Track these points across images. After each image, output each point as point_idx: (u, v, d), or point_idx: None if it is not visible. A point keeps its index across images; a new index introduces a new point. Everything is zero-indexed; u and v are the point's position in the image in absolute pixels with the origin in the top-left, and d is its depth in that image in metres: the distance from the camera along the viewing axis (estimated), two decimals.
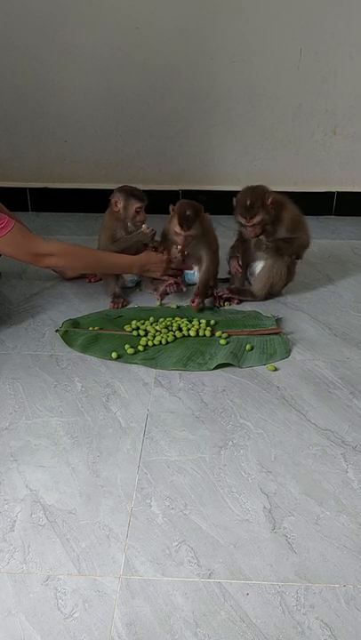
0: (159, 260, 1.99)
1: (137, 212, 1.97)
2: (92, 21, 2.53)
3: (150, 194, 2.68)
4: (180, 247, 1.94)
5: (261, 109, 2.67)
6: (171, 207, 1.94)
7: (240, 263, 2.00)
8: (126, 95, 2.65)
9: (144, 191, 2.67)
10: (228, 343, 1.79)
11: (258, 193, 1.89)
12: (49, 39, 2.56)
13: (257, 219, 1.89)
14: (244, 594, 1.07)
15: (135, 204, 1.96)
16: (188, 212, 1.89)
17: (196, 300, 1.95)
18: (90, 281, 2.17)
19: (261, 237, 1.93)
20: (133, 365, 1.69)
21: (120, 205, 1.97)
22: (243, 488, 1.28)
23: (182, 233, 1.90)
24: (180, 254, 1.97)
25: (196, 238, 1.93)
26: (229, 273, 2.12)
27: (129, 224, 2.00)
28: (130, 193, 1.97)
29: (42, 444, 1.40)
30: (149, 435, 1.43)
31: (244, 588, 1.08)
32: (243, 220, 1.91)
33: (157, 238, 2.04)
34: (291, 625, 1.02)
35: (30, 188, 2.80)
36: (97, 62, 2.60)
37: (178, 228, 1.89)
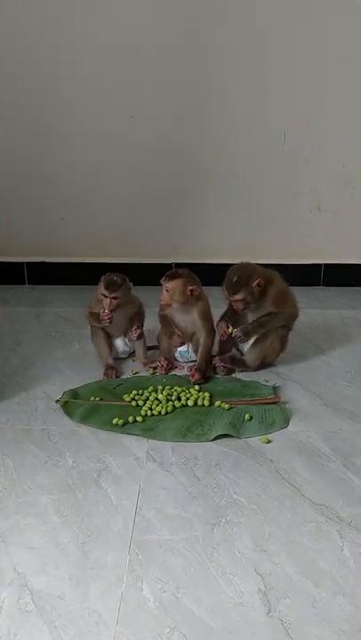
0: None
1: (103, 296, 2.01)
2: (89, 108, 2.70)
3: (144, 267, 2.77)
4: (160, 299, 1.99)
5: (248, 189, 2.80)
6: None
7: (228, 327, 2.02)
8: (120, 175, 2.79)
9: (138, 265, 2.77)
10: (231, 408, 1.80)
11: (245, 273, 1.97)
12: (48, 124, 2.71)
13: (238, 296, 1.96)
14: None
15: (101, 290, 2.01)
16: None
17: (196, 376, 1.97)
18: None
19: (246, 326, 2.00)
20: (125, 439, 1.69)
21: (99, 288, 2.04)
22: (237, 569, 1.25)
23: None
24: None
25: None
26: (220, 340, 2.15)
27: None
28: (105, 279, 2.01)
29: (31, 523, 1.37)
30: (141, 512, 1.40)
31: None
32: (226, 294, 1.99)
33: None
34: None
35: (27, 263, 2.88)
36: (93, 145, 2.75)
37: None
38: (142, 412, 1.78)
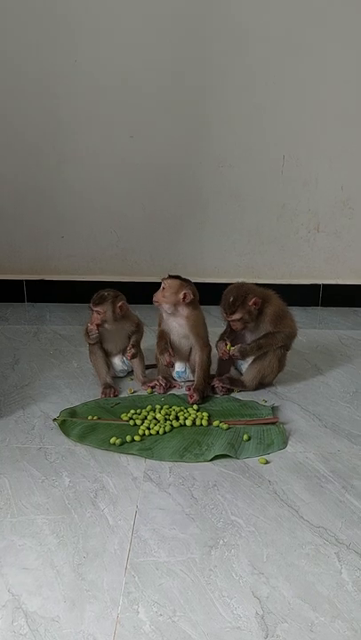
0: None
1: (90, 310, 2.04)
2: (89, 129, 2.74)
3: (143, 285, 2.78)
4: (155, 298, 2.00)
5: (247, 209, 2.83)
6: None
7: (227, 345, 2.02)
8: (121, 195, 2.82)
9: (137, 283, 2.79)
10: (229, 428, 1.80)
11: (241, 292, 1.98)
12: (48, 143, 2.76)
13: (235, 316, 1.98)
14: None
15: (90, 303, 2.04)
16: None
17: (195, 397, 1.97)
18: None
19: (244, 346, 2.00)
20: (123, 459, 1.68)
21: None
22: (234, 592, 1.23)
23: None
24: (167, 361, 2.04)
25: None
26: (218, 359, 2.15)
27: None
28: (95, 294, 2.05)
29: (26, 543, 1.35)
30: (138, 533, 1.39)
31: None
32: (223, 315, 2.01)
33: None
34: None
35: (27, 280, 2.90)
36: (93, 165, 2.79)
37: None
38: (140, 432, 1.78)
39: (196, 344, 2.03)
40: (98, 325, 2.02)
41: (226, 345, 2.02)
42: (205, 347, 2.04)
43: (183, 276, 2.03)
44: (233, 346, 2.02)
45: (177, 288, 1.98)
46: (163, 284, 1.99)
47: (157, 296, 1.99)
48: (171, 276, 2.01)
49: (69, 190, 2.81)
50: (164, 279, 2.00)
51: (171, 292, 1.97)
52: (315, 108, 2.71)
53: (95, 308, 2.01)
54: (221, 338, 2.06)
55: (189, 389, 2.02)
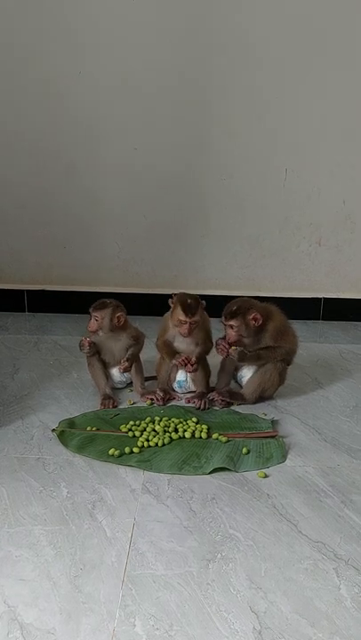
0: None
1: (89, 315, 2.05)
2: (93, 140, 2.76)
3: (144, 297, 2.80)
4: (184, 333, 1.99)
5: (249, 222, 2.85)
6: (170, 300, 2.03)
7: (226, 345, 2.02)
8: (123, 205, 2.84)
9: (138, 295, 2.80)
10: (228, 441, 1.80)
11: (245, 305, 2.00)
12: (52, 154, 2.78)
13: (232, 322, 1.98)
14: None
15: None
16: (189, 300, 1.98)
17: (202, 405, 2.00)
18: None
19: (245, 351, 2.00)
20: (121, 470, 1.67)
21: None
22: (231, 606, 1.22)
23: (187, 320, 1.97)
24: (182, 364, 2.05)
25: (198, 327, 2.01)
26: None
27: None
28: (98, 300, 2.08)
29: (23, 554, 1.34)
30: (135, 546, 1.38)
31: None
32: (223, 319, 2.01)
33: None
34: None
35: (28, 290, 2.91)
36: (96, 176, 2.80)
37: (182, 316, 1.97)
38: (139, 444, 1.77)
39: (203, 342, 2.05)
40: (90, 343, 2.03)
41: (228, 344, 2.01)
42: (210, 344, 2.06)
43: (180, 291, 2.04)
44: (231, 363, 2.03)
45: (201, 307, 2.00)
46: (193, 321, 1.96)
47: (190, 330, 1.98)
48: (192, 310, 1.96)
49: (72, 200, 2.83)
50: (189, 318, 1.95)
51: (200, 314, 1.98)
52: (317, 122, 2.73)
53: (94, 313, 2.02)
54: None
55: (189, 401, 2.02)
